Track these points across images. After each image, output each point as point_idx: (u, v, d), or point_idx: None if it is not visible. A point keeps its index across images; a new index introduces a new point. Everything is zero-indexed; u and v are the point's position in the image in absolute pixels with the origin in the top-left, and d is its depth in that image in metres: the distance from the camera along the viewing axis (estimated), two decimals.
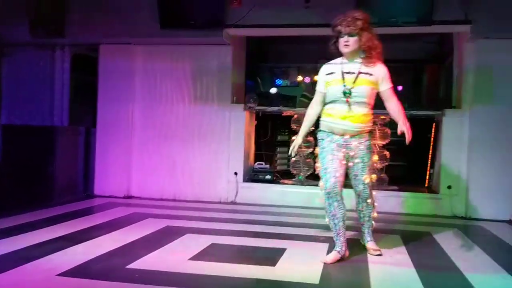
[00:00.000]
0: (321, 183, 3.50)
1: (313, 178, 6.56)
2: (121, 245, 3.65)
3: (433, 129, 6.20)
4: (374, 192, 3.74)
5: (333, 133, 3.44)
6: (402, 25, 5.25)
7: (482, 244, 4.11)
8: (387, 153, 6.16)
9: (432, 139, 6.22)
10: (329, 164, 3.39)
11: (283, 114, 6.45)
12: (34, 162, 5.41)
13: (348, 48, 3.36)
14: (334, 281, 2.99)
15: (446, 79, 6.66)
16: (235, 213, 5.39)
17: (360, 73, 3.38)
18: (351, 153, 3.44)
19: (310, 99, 6.61)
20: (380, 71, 3.43)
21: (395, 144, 7.10)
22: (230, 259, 3.37)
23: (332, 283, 2.96)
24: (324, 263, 3.29)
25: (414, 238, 4.30)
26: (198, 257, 3.39)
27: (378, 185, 5.97)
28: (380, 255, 3.55)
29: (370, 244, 3.68)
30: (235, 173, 6.08)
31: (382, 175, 6.16)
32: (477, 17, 5.23)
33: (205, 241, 3.85)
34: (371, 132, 3.54)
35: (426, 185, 6.32)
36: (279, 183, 6.26)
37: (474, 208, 5.43)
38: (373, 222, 3.75)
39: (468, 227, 4.95)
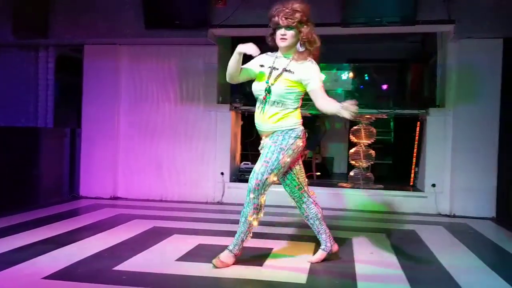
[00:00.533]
0: None
1: None
2: (107, 247, 3.63)
3: (417, 128, 6.26)
4: (263, 197, 3.20)
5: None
6: (386, 25, 5.29)
7: (466, 241, 4.17)
8: (372, 152, 6.22)
9: (416, 137, 6.28)
10: None
11: None
12: (18, 164, 5.35)
13: (285, 42, 3.12)
14: (321, 281, 3.01)
15: (430, 78, 6.74)
16: (222, 213, 5.39)
17: (284, 70, 3.13)
18: None
19: None
20: (306, 70, 3.09)
21: (381, 143, 7.19)
22: None
23: (319, 282, 2.97)
24: (311, 263, 3.30)
25: (400, 236, 4.35)
26: (186, 257, 3.39)
27: (364, 184, 6.05)
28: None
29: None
30: (222, 173, 6.08)
31: (367, 174, 6.22)
32: (460, 17, 5.29)
33: (192, 241, 3.84)
34: (292, 131, 3.16)
35: (411, 183, 6.39)
36: None
37: (459, 206, 5.50)
38: (247, 227, 3.18)
39: (453, 225, 5.01)
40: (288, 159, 3.14)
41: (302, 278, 3.00)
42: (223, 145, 6.12)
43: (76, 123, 6.29)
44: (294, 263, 3.34)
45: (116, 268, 3.10)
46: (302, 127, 3.23)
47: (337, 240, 4.02)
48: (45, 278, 2.86)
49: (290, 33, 3.09)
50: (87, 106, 6.18)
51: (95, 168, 6.13)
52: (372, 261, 3.47)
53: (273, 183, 3.16)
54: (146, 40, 6.00)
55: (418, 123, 6.24)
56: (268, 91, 3.13)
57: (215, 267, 3.10)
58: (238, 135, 6.60)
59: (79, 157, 6.17)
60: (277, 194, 5.88)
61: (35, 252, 3.39)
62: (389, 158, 7.82)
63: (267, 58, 3.28)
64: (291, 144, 3.13)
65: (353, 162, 6.28)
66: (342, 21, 5.24)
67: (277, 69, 3.16)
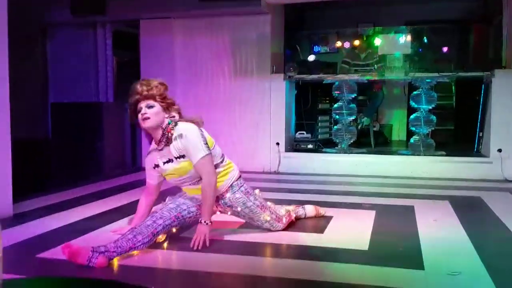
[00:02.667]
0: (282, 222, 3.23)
1: (356, 145, 6.52)
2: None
3: (482, 91, 5.97)
4: None
5: None
6: None
7: None
8: (433, 117, 6.01)
9: (481, 101, 6.00)
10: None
11: (323, 82, 6.36)
12: (83, 138, 5.59)
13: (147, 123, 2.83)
14: (384, 247, 2.97)
15: (495, 39, 6.37)
16: (279, 182, 5.42)
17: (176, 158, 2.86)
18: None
19: (352, 65, 6.57)
20: (185, 143, 2.81)
21: (442, 108, 6.93)
22: None
23: (381, 249, 2.94)
24: None
25: (464, 203, 4.21)
26: (247, 224, 3.43)
27: (425, 151, 5.88)
28: None
29: None
30: (277, 143, 6.08)
31: (428, 140, 6.04)
32: None
33: None
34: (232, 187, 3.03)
35: (475, 149, 6.14)
36: (321, 152, 6.23)
37: None
38: None
39: None
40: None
41: (364, 244, 2.97)
42: (277, 115, 6.11)
43: None
44: (355, 230, 3.32)
45: (183, 234, 3.19)
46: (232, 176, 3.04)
47: (398, 207, 3.99)
48: None
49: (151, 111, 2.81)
50: None
51: None
52: (436, 228, 3.39)
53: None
54: (199, 12, 6.01)
55: (483, 86, 5.95)
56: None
57: None
58: (292, 104, 6.55)
59: (140, 130, 6.34)
60: (337, 164, 5.87)
61: (105, 221, 3.55)
62: (450, 123, 7.54)
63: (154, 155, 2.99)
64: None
65: (413, 129, 6.10)
66: None
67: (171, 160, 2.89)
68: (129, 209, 3.93)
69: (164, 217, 2.79)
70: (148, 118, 2.81)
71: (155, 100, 2.82)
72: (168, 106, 2.87)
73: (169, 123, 2.86)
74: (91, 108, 5.89)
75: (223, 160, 3.06)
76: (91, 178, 5.38)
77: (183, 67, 6.32)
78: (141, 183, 5.48)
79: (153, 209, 3.13)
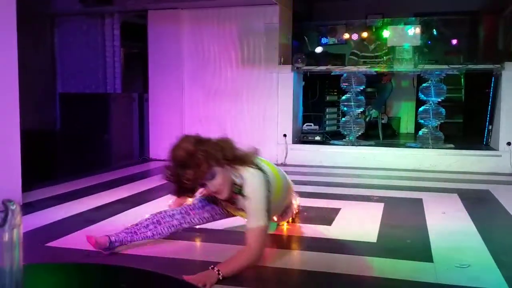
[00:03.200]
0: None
1: (364, 138, 6.50)
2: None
3: (491, 84, 5.92)
4: None
5: None
6: None
7: None
8: (442, 110, 5.96)
9: (490, 94, 5.95)
10: None
11: (331, 74, 6.33)
12: (90, 128, 5.60)
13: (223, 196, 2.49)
14: (392, 240, 2.96)
15: (505, 31, 6.31)
16: (287, 174, 5.40)
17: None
18: None
19: (360, 57, 6.53)
20: (247, 205, 2.46)
21: (451, 101, 6.88)
22: None
23: (390, 241, 2.93)
24: None
25: (473, 196, 4.19)
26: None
27: (433, 143, 5.85)
28: None
29: None
30: (284, 135, 6.07)
31: (437, 133, 6.00)
32: None
33: None
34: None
35: (484, 142, 6.10)
36: (329, 144, 6.22)
37: None
38: None
39: None
40: None
41: (372, 237, 2.97)
42: (285, 106, 6.09)
43: (143, 88, 6.48)
44: (363, 222, 3.31)
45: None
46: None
47: (407, 200, 3.97)
48: None
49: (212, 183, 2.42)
50: (153, 72, 6.32)
51: (163, 132, 6.30)
52: (444, 221, 3.38)
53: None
54: (207, 3, 5.99)
55: (493, 78, 5.89)
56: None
57: None
58: (300, 96, 6.53)
59: (148, 121, 6.37)
60: (344, 156, 5.85)
61: (112, 211, 3.57)
62: (459, 116, 7.49)
63: None
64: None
65: (421, 121, 6.06)
66: None
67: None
68: (136, 200, 3.96)
69: (184, 222, 2.72)
70: (221, 191, 2.46)
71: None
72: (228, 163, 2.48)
73: (235, 192, 2.49)
74: (99, 98, 5.91)
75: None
76: (98, 168, 5.40)
77: (191, 58, 6.31)
78: (148, 174, 5.52)
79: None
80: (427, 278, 2.35)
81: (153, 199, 4.01)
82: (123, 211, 3.58)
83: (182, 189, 2.46)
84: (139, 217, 3.36)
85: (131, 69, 6.68)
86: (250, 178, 2.46)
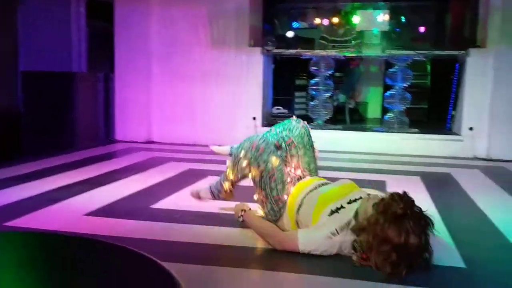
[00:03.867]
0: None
1: (332, 122, 6.56)
2: (145, 187, 3.72)
3: (456, 71, 6.05)
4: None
5: None
6: None
7: (503, 184, 4.10)
8: (408, 95, 6.07)
9: (455, 80, 6.08)
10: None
11: (301, 57, 6.34)
12: (55, 108, 5.47)
13: None
14: None
15: (471, 18, 6.42)
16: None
17: None
18: None
19: (329, 41, 6.54)
20: None
21: (417, 87, 7.00)
22: (250, 199, 3.41)
23: None
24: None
25: (435, 179, 4.30)
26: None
27: (399, 128, 5.96)
28: None
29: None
30: (254, 118, 6.06)
31: (402, 117, 6.11)
32: None
33: None
34: None
35: (447, 127, 6.25)
36: None
37: (496, 149, 5.38)
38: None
39: (490, 168, 4.91)
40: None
41: None
42: (254, 89, 6.08)
43: (109, 68, 6.34)
44: None
45: (154, 206, 3.19)
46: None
47: (371, 182, 4.04)
48: (87, 214, 2.97)
49: None
50: (120, 51, 6.19)
51: (130, 113, 6.21)
52: None
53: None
54: None
55: (457, 65, 6.02)
56: None
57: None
58: (270, 79, 6.53)
59: (114, 102, 6.25)
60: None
61: (76, 191, 3.51)
62: (424, 102, 7.64)
63: None
64: None
65: (388, 106, 6.16)
66: None
67: None
68: (101, 181, 3.90)
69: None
70: None
71: None
72: None
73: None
74: (64, 77, 5.75)
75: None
76: (63, 149, 5.29)
77: (159, 38, 6.20)
78: (114, 155, 5.45)
79: None
80: None
81: (119, 179, 3.97)
82: (88, 191, 3.53)
83: None
84: (103, 197, 3.35)
85: (97, 49, 6.52)
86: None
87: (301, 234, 2.32)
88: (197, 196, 3.04)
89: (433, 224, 2.12)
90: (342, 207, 2.35)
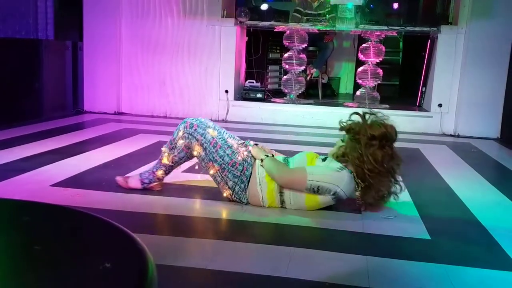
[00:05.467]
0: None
1: (304, 97, 6.56)
2: (113, 158, 3.66)
3: (427, 47, 6.10)
4: None
5: None
6: None
7: (469, 160, 4.20)
8: (380, 71, 6.10)
9: (426, 57, 6.14)
10: None
11: (275, 30, 6.27)
12: (20, 76, 5.27)
13: None
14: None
15: None
16: (227, 131, 5.38)
17: None
18: None
19: (304, 14, 6.49)
20: None
21: (388, 64, 7.05)
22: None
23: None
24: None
25: (403, 154, 4.33)
26: (190, 170, 3.41)
27: (370, 103, 6.01)
28: None
29: None
30: (226, 91, 6.01)
31: (374, 93, 6.16)
32: None
33: None
34: None
35: (417, 103, 6.33)
36: (270, 101, 6.23)
37: (464, 126, 5.49)
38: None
39: (457, 144, 5.02)
40: None
41: None
42: (227, 62, 6.00)
43: (78, 37, 6.13)
44: None
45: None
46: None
47: None
48: (53, 185, 2.91)
49: None
50: (88, 19, 5.99)
51: (99, 83, 6.06)
52: None
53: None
54: None
55: (429, 42, 6.07)
56: None
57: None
58: (243, 52, 6.45)
59: (82, 71, 6.08)
60: (284, 114, 5.89)
61: (42, 162, 3.43)
62: (396, 79, 7.71)
63: None
64: None
65: (359, 81, 6.19)
66: None
67: None
68: (67, 151, 3.82)
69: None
70: None
71: None
72: None
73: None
74: (29, 44, 5.53)
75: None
76: (29, 119, 5.13)
77: (129, 6, 6.02)
78: (82, 126, 5.33)
79: None
80: (355, 228, 2.45)
81: (86, 151, 3.89)
82: (54, 162, 3.45)
83: None
84: (70, 168, 3.28)
85: (65, 16, 6.27)
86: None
87: (309, 167, 2.57)
88: (125, 183, 2.88)
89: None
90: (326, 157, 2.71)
